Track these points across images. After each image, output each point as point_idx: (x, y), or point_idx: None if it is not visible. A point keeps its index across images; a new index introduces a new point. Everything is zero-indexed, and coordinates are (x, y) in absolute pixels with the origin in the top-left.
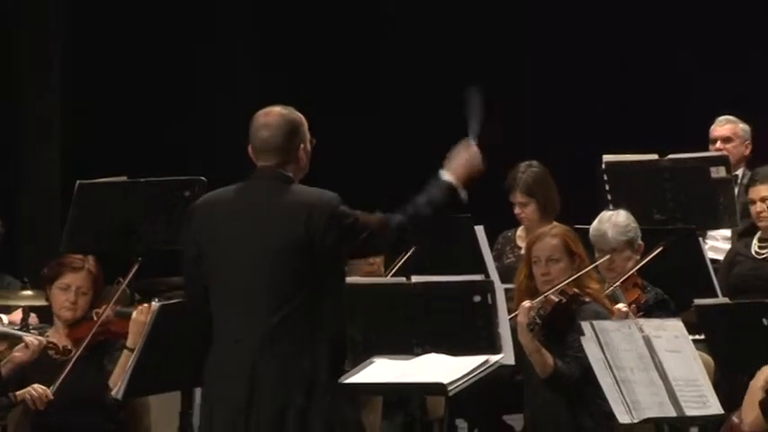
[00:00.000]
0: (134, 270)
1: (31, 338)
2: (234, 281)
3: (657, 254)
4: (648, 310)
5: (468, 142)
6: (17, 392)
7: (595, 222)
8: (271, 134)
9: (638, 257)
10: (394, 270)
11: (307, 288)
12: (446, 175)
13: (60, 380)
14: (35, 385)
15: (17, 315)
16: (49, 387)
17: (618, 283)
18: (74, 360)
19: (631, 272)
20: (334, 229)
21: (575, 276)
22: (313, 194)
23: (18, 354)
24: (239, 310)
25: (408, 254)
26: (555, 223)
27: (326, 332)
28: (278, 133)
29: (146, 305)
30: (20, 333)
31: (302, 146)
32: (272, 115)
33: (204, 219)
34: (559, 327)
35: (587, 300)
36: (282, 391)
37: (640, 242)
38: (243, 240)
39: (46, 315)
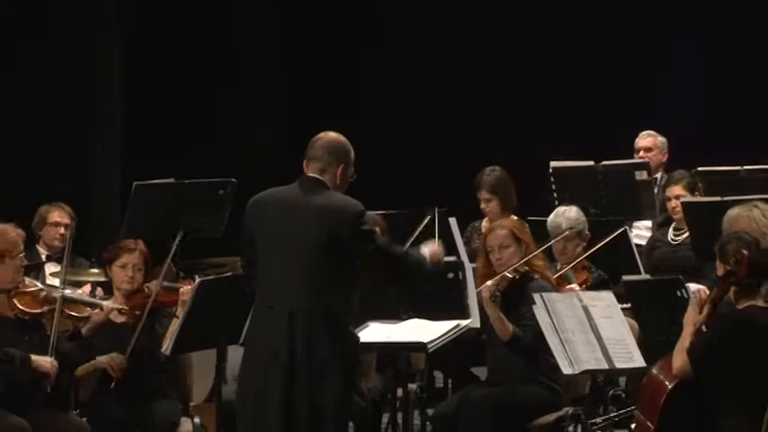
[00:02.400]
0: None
1: (106, 303)
2: (274, 261)
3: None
4: (594, 288)
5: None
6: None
7: (552, 216)
8: (321, 145)
9: (585, 245)
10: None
11: (327, 272)
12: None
13: (133, 343)
14: (113, 355)
15: (86, 288)
16: (114, 350)
17: (569, 267)
18: (140, 327)
19: (581, 258)
20: (353, 230)
21: (524, 260)
22: (343, 199)
23: (95, 315)
24: (276, 283)
25: (411, 239)
26: (513, 217)
27: (340, 308)
28: (324, 148)
29: (189, 286)
30: (98, 301)
31: (341, 166)
32: (326, 135)
33: (256, 211)
34: (514, 299)
35: (536, 276)
36: (305, 344)
37: (587, 233)
38: (283, 230)
39: (108, 288)
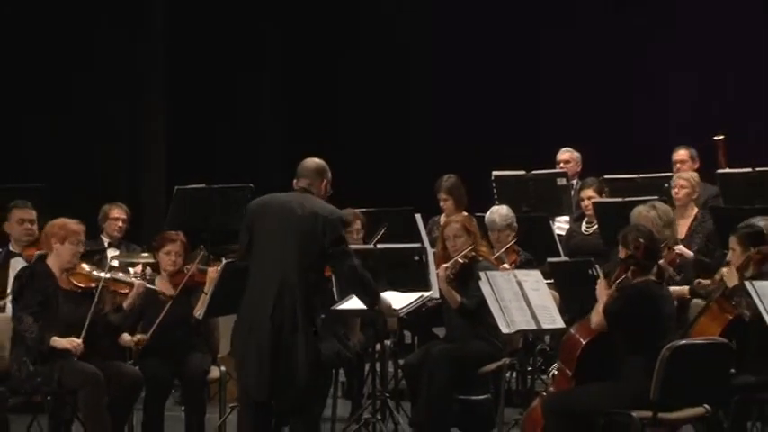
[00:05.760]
0: (201, 255)
1: (139, 281)
2: (266, 253)
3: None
4: (521, 266)
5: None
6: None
7: (488, 213)
8: (307, 167)
9: (515, 234)
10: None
11: (307, 263)
12: (382, 303)
13: (166, 310)
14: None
15: (139, 269)
16: (158, 317)
17: (502, 251)
18: (172, 301)
19: (510, 244)
20: (332, 235)
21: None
22: (328, 208)
23: (133, 290)
24: (267, 270)
25: (381, 233)
26: (464, 213)
27: (314, 289)
28: (311, 168)
29: (216, 266)
30: (132, 279)
31: (324, 182)
32: (311, 161)
33: (256, 212)
34: (466, 277)
35: (481, 259)
36: (287, 316)
37: (516, 225)
38: (278, 227)
39: (155, 269)
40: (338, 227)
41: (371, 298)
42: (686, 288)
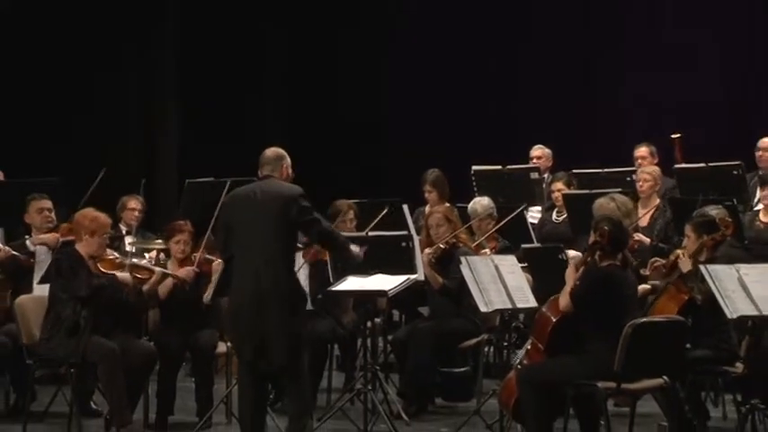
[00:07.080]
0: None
1: (159, 269)
2: (246, 238)
3: (506, 221)
4: (500, 252)
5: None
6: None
7: (471, 204)
8: (268, 156)
9: (495, 222)
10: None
11: (283, 240)
12: (354, 252)
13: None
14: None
15: (153, 254)
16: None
17: (483, 238)
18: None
19: (490, 232)
20: (296, 207)
21: (453, 234)
22: (287, 187)
23: (152, 278)
24: (249, 254)
25: (374, 223)
26: (446, 204)
27: (289, 257)
28: (271, 157)
29: (219, 260)
30: (154, 267)
31: (284, 165)
32: (270, 149)
33: (230, 205)
34: (447, 261)
35: (461, 245)
36: (270, 292)
37: (495, 215)
38: (250, 215)
39: (168, 254)
40: (299, 200)
41: (342, 251)
42: (648, 287)
